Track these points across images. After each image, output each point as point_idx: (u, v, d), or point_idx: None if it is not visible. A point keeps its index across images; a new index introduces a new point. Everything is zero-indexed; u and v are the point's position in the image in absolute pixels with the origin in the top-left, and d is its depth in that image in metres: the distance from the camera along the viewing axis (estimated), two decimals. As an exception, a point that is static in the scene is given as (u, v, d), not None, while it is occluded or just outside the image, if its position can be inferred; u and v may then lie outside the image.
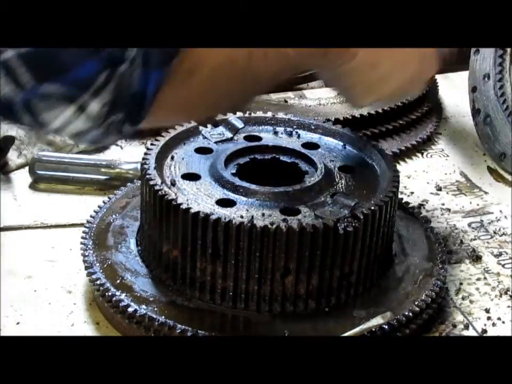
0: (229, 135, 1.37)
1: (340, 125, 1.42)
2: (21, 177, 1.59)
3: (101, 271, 1.25)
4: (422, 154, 1.76)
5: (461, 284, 1.38)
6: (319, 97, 1.79)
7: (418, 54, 1.19)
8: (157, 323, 1.16)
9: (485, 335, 1.27)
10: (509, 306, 1.33)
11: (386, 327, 1.18)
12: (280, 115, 1.45)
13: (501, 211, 1.57)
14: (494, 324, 1.29)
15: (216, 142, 1.35)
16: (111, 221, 1.36)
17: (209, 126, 1.39)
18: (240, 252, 1.16)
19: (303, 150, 1.34)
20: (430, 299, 1.24)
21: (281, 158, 1.33)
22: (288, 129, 1.40)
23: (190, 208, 1.17)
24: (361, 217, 1.18)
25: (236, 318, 1.19)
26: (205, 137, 1.37)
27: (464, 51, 1.92)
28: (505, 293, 1.36)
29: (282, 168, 1.33)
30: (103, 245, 1.30)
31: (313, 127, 1.41)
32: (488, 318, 1.30)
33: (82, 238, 1.32)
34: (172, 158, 1.31)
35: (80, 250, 1.30)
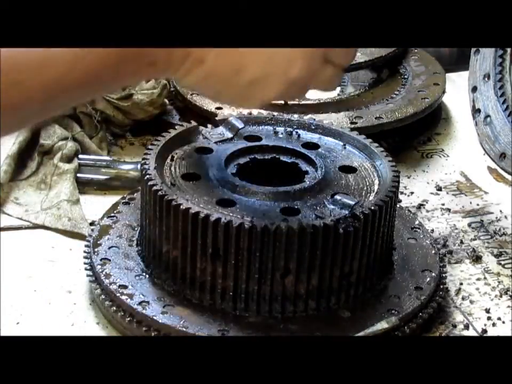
0: (229, 135, 1.37)
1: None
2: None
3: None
4: (422, 154, 1.76)
5: (461, 284, 1.38)
6: (319, 98, 1.79)
7: (303, 54, 1.04)
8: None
9: (485, 335, 1.27)
10: (509, 306, 1.33)
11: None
12: (280, 115, 1.45)
13: (501, 211, 1.57)
14: (494, 324, 1.29)
15: (216, 142, 1.35)
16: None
17: (209, 126, 1.39)
18: (240, 252, 1.16)
19: (303, 150, 1.34)
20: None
21: (281, 158, 1.33)
22: (288, 129, 1.40)
23: (190, 208, 1.17)
24: (361, 217, 1.18)
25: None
26: (205, 137, 1.36)
27: (464, 51, 1.92)
28: (505, 293, 1.36)
29: (282, 168, 1.33)
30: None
31: (313, 127, 1.41)
32: (488, 318, 1.30)
33: (87, 240, 1.32)
34: (172, 158, 1.31)
35: (80, 250, 1.30)
